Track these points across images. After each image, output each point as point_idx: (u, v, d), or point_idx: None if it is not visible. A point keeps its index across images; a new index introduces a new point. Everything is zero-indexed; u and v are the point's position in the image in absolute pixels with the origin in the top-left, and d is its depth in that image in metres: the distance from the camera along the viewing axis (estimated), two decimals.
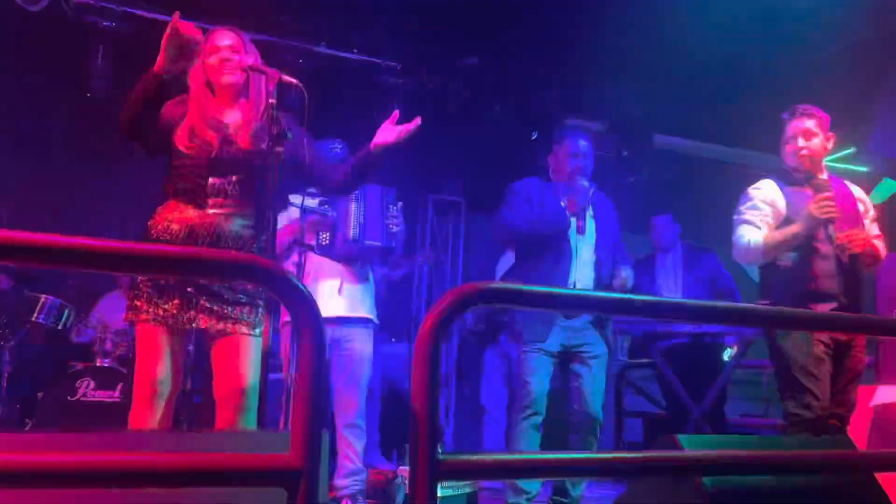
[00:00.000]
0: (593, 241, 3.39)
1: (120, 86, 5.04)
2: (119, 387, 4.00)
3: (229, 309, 2.29)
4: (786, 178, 3.10)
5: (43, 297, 4.13)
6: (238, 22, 2.95)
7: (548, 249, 3.34)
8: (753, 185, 3.13)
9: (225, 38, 2.45)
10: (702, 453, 1.69)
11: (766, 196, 3.05)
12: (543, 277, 3.27)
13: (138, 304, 2.24)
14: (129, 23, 4.89)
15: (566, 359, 3.34)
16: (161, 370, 2.22)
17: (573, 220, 3.33)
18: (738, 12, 4.69)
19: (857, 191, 3.18)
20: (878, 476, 2.07)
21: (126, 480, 1.17)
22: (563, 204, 3.35)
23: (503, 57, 5.75)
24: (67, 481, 1.15)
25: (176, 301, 2.23)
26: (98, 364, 4.10)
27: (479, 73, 5.93)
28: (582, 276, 3.33)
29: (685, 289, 4.58)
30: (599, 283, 3.35)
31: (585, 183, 3.35)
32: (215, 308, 2.27)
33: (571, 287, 3.28)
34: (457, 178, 6.63)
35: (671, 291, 4.61)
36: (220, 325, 2.27)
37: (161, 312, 2.22)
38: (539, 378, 3.25)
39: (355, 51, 5.51)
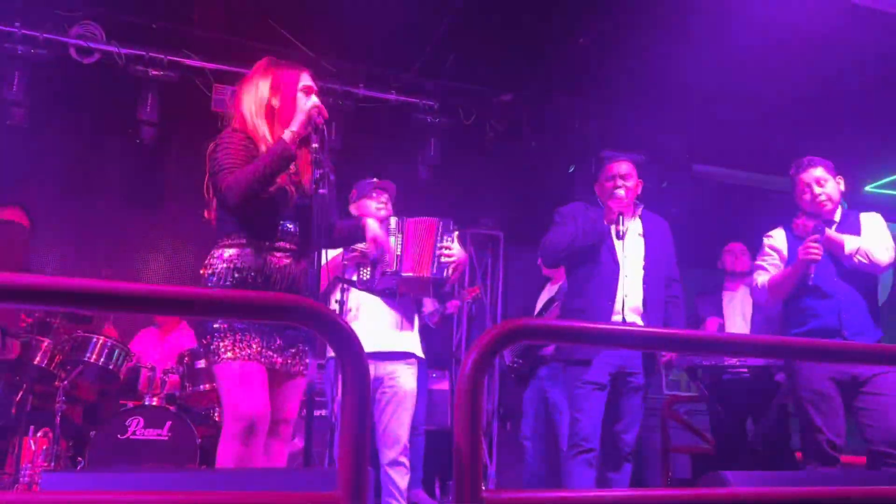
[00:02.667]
0: (642, 255, 3.41)
1: (167, 132, 5.24)
2: (167, 425, 4.07)
3: (296, 347, 2.38)
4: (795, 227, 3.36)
5: (95, 337, 4.24)
6: None
7: (593, 264, 3.37)
8: (767, 234, 3.45)
9: (310, 79, 2.50)
10: (749, 490, 1.66)
11: (773, 243, 3.38)
12: (592, 293, 3.34)
13: (219, 344, 2.28)
14: (176, 71, 5.09)
15: (616, 386, 3.32)
16: (259, 405, 2.25)
17: (612, 227, 3.35)
18: (775, 40, 4.67)
19: (866, 221, 3.30)
20: None
21: None
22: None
23: (538, 92, 5.82)
24: None
25: (257, 340, 2.30)
26: (147, 403, 4.19)
27: (515, 109, 6.00)
28: (631, 291, 3.35)
29: (754, 326, 4.42)
30: (649, 301, 3.35)
31: (622, 192, 3.37)
32: (286, 346, 2.36)
33: (621, 303, 3.33)
34: (495, 212, 6.67)
35: (738, 329, 4.47)
36: (288, 365, 2.37)
37: (248, 350, 2.28)
38: (589, 412, 3.24)
39: (393, 92, 5.63)
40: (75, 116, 5.36)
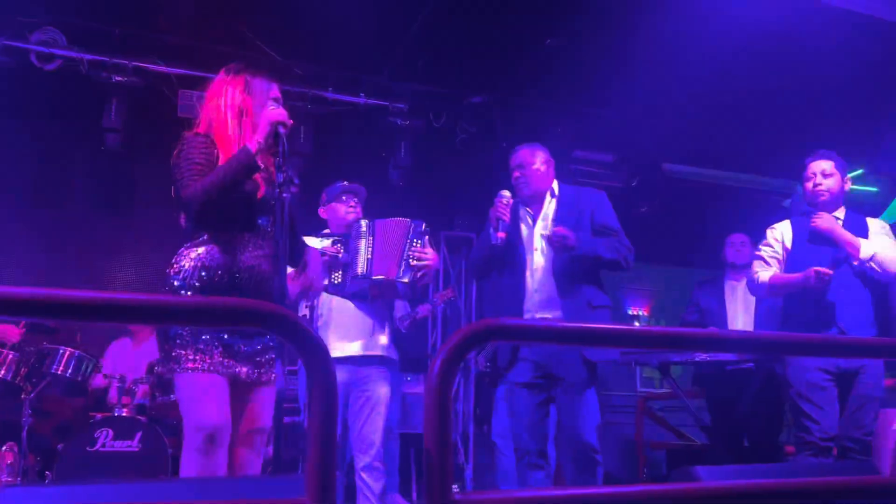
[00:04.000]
0: (542, 248, 3.20)
1: (133, 138, 5.17)
2: (137, 436, 4.00)
3: (263, 357, 2.34)
4: (800, 219, 3.37)
5: (62, 349, 4.16)
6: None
7: (507, 268, 3.25)
8: (771, 226, 3.46)
9: (277, 91, 2.48)
10: (718, 484, 1.66)
11: (776, 235, 3.38)
12: (504, 298, 3.24)
13: (181, 353, 2.24)
14: (140, 77, 5.02)
15: (555, 385, 3.16)
16: (218, 416, 2.20)
17: (493, 232, 3.18)
18: (743, 40, 4.73)
19: (873, 226, 3.33)
20: None
21: None
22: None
23: (509, 93, 5.83)
24: None
25: (220, 349, 2.26)
26: (116, 414, 4.12)
27: (486, 111, 6.01)
28: (542, 286, 3.17)
29: (757, 318, 4.35)
30: (562, 290, 3.13)
31: (505, 192, 3.21)
32: (252, 355, 2.31)
33: (530, 301, 3.16)
34: (468, 214, 6.67)
35: (741, 322, 4.40)
36: (256, 374, 2.33)
37: (208, 360, 2.23)
38: (518, 415, 3.16)
39: (363, 95, 5.61)
40: (38, 124, 5.26)
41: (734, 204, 6.24)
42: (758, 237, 3.56)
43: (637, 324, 6.87)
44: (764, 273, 3.31)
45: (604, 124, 6.07)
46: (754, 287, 3.37)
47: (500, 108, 6.00)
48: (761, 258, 3.38)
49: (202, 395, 2.20)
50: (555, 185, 3.35)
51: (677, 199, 6.40)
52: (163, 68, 5.05)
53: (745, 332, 3.87)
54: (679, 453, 5.24)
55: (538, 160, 3.31)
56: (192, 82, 5.07)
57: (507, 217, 3.18)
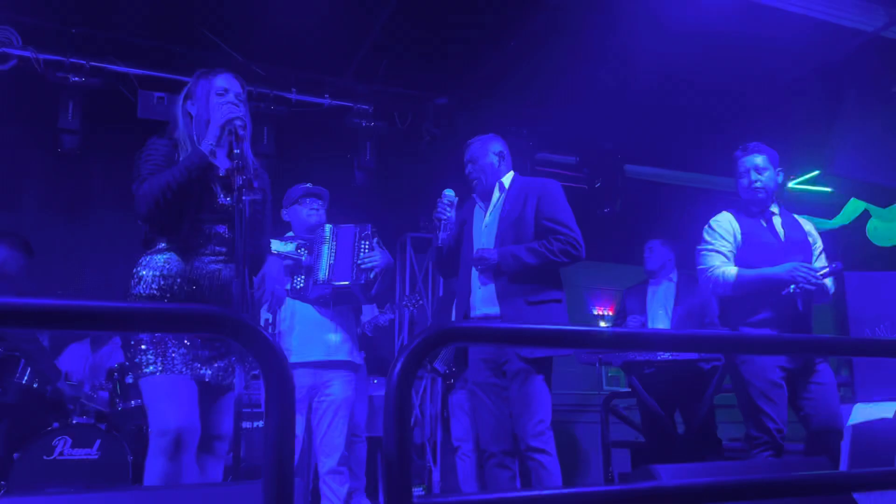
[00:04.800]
0: (493, 240, 3.14)
1: (90, 140, 5.06)
2: (97, 444, 3.92)
3: (224, 361, 2.31)
4: (743, 210, 3.31)
5: (17, 355, 4.06)
6: None
7: (461, 266, 3.24)
8: (714, 218, 3.33)
9: (233, 85, 2.42)
10: (679, 483, 1.69)
11: (726, 227, 3.27)
12: (459, 297, 3.23)
13: (143, 359, 2.21)
14: (98, 77, 4.92)
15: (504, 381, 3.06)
16: (183, 419, 2.16)
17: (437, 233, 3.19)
18: (700, 43, 4.80)
19: (806, 225, 3.36)
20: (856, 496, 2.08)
21: None
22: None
23: (473, 95, 5.85)
24: None
25: (182, 352, 2.23)
26: (74, 422, 4.03)
27: (451, 112, 6.01)
28: (485, 284, 3.11)
29: (675, 319, 4.46)
30: (502, 290, 3.04)
31: (448, 191, 3.20)
32: (214, 358, 2.29)
33: (476, 298, 3.12)
34: (433, 216, 6.66)
35: (660, 322, 4.53)
36: (219, 378, 2.30)
37: (171, 365, 2.20)
38: (479, 416, 3.09)
39: (327, 96, 5.57)
40: None
41: (694, 204, 6.34)
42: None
43: (602, 324, 6.93)
44: (729, 269, 3.16)
45: (567, 126, 6.12)
46: (716, 284, 3.17)
47: (464, 110, 6.01)
48: (719, 252, 3.22)
49: (165, 397, 2.17)
50: (507, 177, 3.27)
51: (640, 200, 6.47)
52: (121, 68, 4.95)
53: (698, 331, 3.93)
54: (643, 452, 5.29)
55: (490, 153, 3.28)
56: (152, 83, 4.99)
57: (447, 216, 3.17)
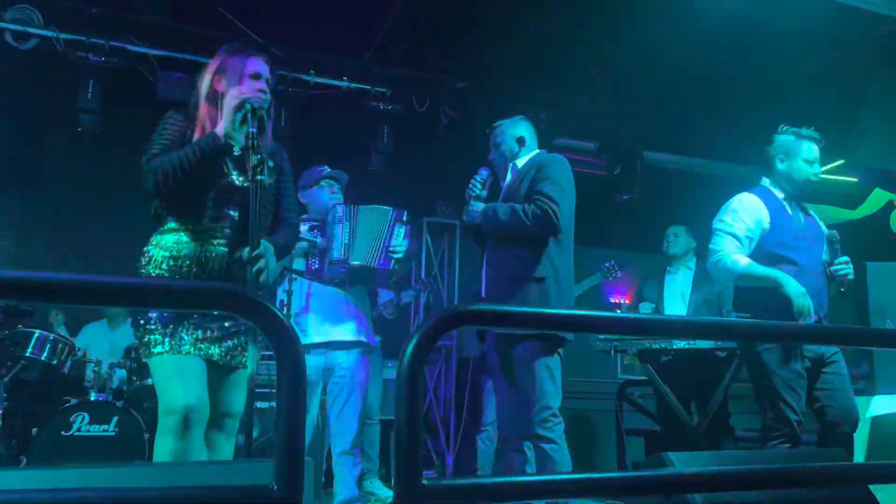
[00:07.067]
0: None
1: (109, 119, 5.09)
2: (114, 420, 3.97)
3: (234, 340, 2.31)
4: (771, 195, 3.17)
5: (36, 332, 4.12)
6: None
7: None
8: (739, 198, 3.16)
9: (265, 70, 2.40)
10: (692, 471, 1.67)
11: (752, 212, 3.10)
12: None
13: (153, 338, 2.22)
14: (118, 57, 4.94)
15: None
16: (191, 397, 2.17)
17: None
18: (723, 29, 4.73)
19: (820, 217, 3.30)
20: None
21: None
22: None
23: (492, 79, 5.80)
24: None
25: (190, 331, 2.23)
26: (92, 398, 4.08)
27: (469, 96, 5.97)
28: (488, 261, 3.08)
29: (692, 307, 4.40)
30: (491, 265, 3.03)
31: (485, 170, 3.17)
32: (224, 338, 2.29)
33: (484, 275, 3.07)
34: (450, 200, 6.64)
35: (677, 310, 4.48)
36: (228, 357, 2.30)
37: (180, 344, 2.21)
38: (498, 399, 3.10)
39: (345, 78, 5.56)
40: (13, 104, 5.16)
41: (713, 192, 6.27)
42: None
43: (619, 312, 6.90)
44: (740, 257, 3.02)
45: (586, 112, 6.06)
46: (723, 268, 3.05)
47: (483, 95, 5.97)
48: (734, 236, 3.07)
49: (173, 376, 2.18)
50: (522, 159, 3.19)
51: (659, 187, 6.41)
52: (141, 48, 4.96)
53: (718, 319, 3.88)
54: (657, 440, 5.27)
55: (510, 138, 3.23)
56: (172, 63, 5.00)
57: (475, 194, 3.13)
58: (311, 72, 5.44)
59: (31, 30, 4.74)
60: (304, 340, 3.23)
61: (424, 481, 1.32)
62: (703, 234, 4.72)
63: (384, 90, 5.65)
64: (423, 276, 6.40)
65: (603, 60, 5.31)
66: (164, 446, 2.11)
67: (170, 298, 1.36)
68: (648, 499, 1.94)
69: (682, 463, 1.84)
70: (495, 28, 5.19)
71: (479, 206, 3.07)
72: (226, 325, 2.28)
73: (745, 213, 3.10)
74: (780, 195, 3.16)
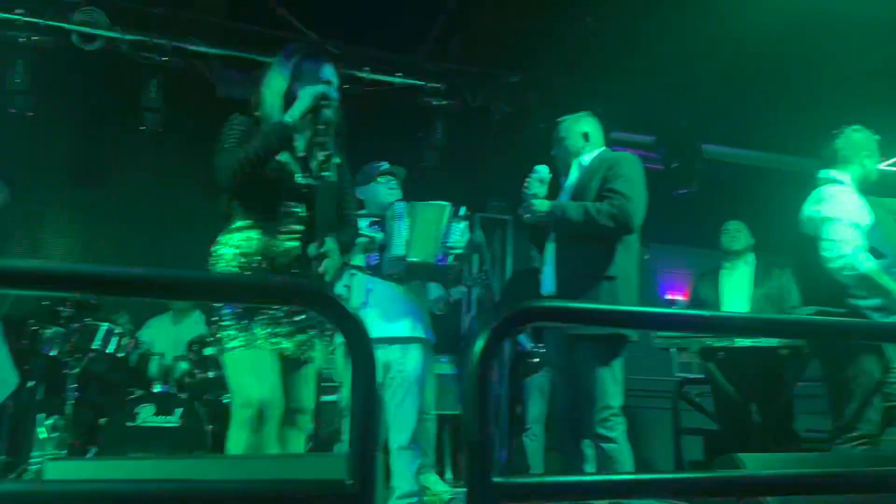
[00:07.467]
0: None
1: (171, 118, 5.21)
2: (177, 412, 4.07)
3: (305, 334, 2.35)
4: (851, 191, 3.10)
5: (104, 325, 4.24)
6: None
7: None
8: (836, 193, 3.04)
9: (335, 77, 2.47)
10: (769, 473, 1.62)
11: (856, 206, 3.01)
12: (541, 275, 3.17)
13: (227, 334, 2.26)
14: (179, 57, 5.04)
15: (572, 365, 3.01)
16: (266, 392, 2.21)
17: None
18: (782, 20, 4.59)
19: None
20: None
21: None
22: None
23: (546, 73, 5.75)
24: None
25: (264, 326, 2.27)
26: (157, 390, 4.19)
27: (523, 90, 5.93)
28: (551, 260, 3.05)
29: (752, 305, 4.31)
30: (561, 264, 3.00)
31: (541, 167, 3.11)
32: (295, 333, 2.32)
33: (544, 273, 3.04)
34: (502, 196, 6.62)
35: (738, 308, 4.37)
36: (299, 351, 2.34)
37: (254, 339, 2.25)
38: (554, 399, 3.08)
39: (399, 74, 5.57)
40: (79, 104, 5.32)
41: (775, 186, 6.10)
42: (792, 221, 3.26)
43: None
44: (869, 261, 2.87)
45: (643, 105, 5.96)
46: (849, 265, 2.87)
47: (537, 88, 5.92)
48: (853, 230, 2.91)
49: (248, 371, 2.22)
50: (589, 155, 3.14)
51: (717, 181, 6.27)
52: (201, 48, 5.06)
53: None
54: (716, 440, 5.16)
55: (576, 133, 3.19)
56: (231, 63, 5.09)
57: (533, 192, 3.08)
58: (366, 68, 5.47)
59: (98, 31, 4.88)
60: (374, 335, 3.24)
61: (496, 479, 1.32)
62: (760, 230, 4.61)
63: (438, 85, 5.65)
64: (474, 272, 6.39)
65: (660, 51, 5.20)
66: (238, 440, 2.15)
67: (245, 293, 1.38)
68: (716, 502, 1.89)
69: (754, 464, 1.79)
70: (550, 21, 5.13)
71: (545, 205, 3.02)
72: (296, 319, 2.31)
73: (851, 205, 2.99)
74: (856, 191, 3.10)
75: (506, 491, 1.35)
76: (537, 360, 4.74)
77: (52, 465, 1.38)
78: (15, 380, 3.48)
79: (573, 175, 3.17)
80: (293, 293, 1.39)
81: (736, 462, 1.83)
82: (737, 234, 4.55)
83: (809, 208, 3.10)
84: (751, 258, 4.55)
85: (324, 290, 1.38)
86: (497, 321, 1.40)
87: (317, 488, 1.25)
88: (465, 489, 1.32)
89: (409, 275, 3.38)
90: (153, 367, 4.40)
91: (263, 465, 1.51)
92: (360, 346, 1.34)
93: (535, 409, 4.80)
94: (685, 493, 1.70)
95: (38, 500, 0.99)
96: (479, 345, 1.36)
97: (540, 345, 4.67)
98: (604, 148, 3.20)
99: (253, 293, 1.41)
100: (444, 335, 5.51)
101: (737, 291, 4.43)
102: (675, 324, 1.39)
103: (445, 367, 5.62)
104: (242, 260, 2.30)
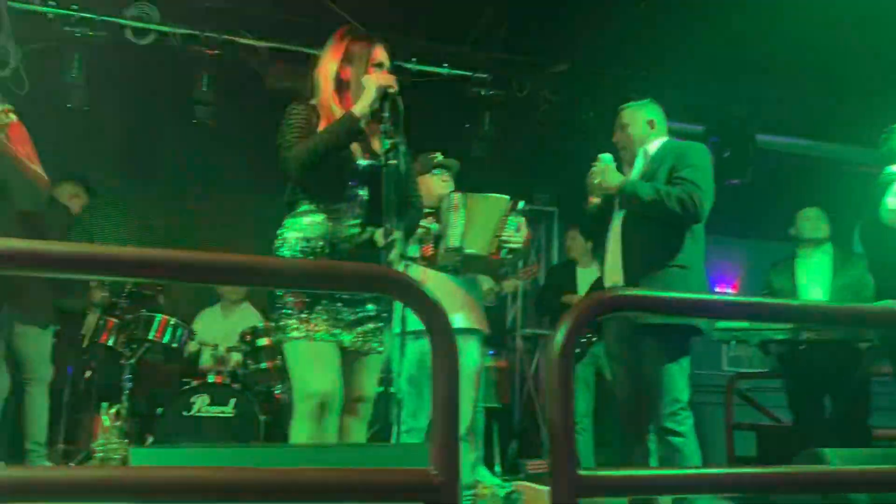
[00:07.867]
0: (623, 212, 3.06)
1: (222, 111, 5.25)
2: (231, 402, 4.11)
3: (367, 326, 2.34)
4: None
5: (158, 316, 4.30)
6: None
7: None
8: None
9: (387, 59, 2.46)
10: (857, 469, 1.57)
11: None
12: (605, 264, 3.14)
13: (288, 322, 2.26)
14: (230, 50, 5.08)
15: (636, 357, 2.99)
16: (328, 383, 2.21)
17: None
18: (836, 8, 4.45)
19: None
20: None
21: (263, 496, 1.17)
22: None
23: (594, 61, 5.66)
24: (204, 496, 1.15)
25: (325, 317, 2.26)
26: (210, 380, 4.24)
27: (570, 80, 5.85)
28: (616, 249, 3.01)
29: (831, 295, 4.18)
30: (628, 253, 2.95)
31: (605, 155, 3.07)
32: (355, 324, 2.32)
33: (609, 263, 2.99)
34: (549, 188, 6.55)
35: (813, 297, 4.23)
36: (360, 342, 2.33)
37: (314, 328, 2.24)
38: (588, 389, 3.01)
39: (445, 65, 5.54)
40: (133, 97, 5.40)
41: (832, 176, 5.93)
42: (852, 212, 3.14)
43: None
44: None
45: (693, 94, 5.82)
46: None
47: (584, 77, 5.83)
48: None
49: (309, 362, 2.21)
50: (653, 144, 3.09)
51: (771, 171, 6.11)
52: (251, 41, 5.09)
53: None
54: (769, 434, 5.05)
55: (640, 120, 3.12)
56: (280, 55, 5.11)
57: (598, 181, 3.03)
58: (413, 59, 5.44)
59: (150, 26, 4.93)
60: (418, 327, 3.23)
61: (581, 472, 1.29)
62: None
63: (484, 76, 5.60)
64: (521, 263, 6.34)
65: (711, 38, 5.08)
66: (300, 431, 2.16)
67: (325, 279, 1.37)
68: (799, 498, 1.84)
69: (840, 460, 1.74)
70: (598, 9, 5.05)
71: (617, 178, 2.95)
72: (357, 310, 2.30)
73: None
74: None
75: (592, 483, 1.32)
76: (577, 350, 4.69)
77: (136, 451, 1.39)
78: (6, 385, 3.38)
79: (639, 163, 3.10)
80: (373, 279, 1.38)
81: (819, 457, 1.77)
82: (818, 221, 4.39)
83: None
84: (828, 247, 4.38)
85: (404, 277, 1.35)
86: (579, 310, 1.37)
87: (404, 477, 1.24)
88: (545, 484, 1.30)
89: (464, 266, 3.34)
90: (207, 358, 4.46)
91: (349, 453, 1.50)
92: (442, 335, 1.32)
93: (582, 403, 4.77)
94: (770, 489, 1.65)
95: (140, 486, 0.98)
96: (560, 336, 1.33)
97: (592, 336, 4.61)
98: (668, 137, 3.12)
99: (330, 280, 1.40)
100: (491, 327, 5.50)
101: (815, 281, 4.27)
102: (783, 314, 1.34)
103: (491, 359, 5.60)
104: (305, 244, 2.30)
